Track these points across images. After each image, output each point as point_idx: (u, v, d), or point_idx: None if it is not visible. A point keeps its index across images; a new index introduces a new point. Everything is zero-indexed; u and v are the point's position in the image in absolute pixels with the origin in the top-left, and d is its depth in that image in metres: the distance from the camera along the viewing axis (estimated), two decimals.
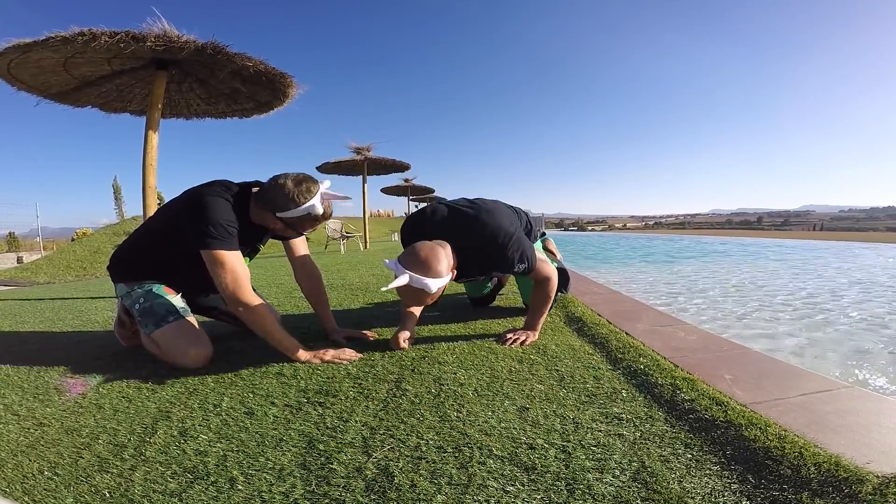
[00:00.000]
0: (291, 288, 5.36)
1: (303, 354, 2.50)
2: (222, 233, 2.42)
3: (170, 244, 2.65)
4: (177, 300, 2.70)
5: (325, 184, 2.64)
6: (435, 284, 2.36)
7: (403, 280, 2.32)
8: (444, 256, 2.44)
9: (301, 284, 3.09)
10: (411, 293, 2.40)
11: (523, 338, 2.77)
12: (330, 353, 2.52)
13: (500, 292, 4.24)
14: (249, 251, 2.85)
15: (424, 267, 2.36)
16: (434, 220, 2.75)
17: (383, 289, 2.45)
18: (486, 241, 2.67)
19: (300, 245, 3.04)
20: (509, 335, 2.81)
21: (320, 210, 2.55)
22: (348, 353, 2.55)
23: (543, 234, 3.63)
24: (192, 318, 2.66)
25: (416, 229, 2.78)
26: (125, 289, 2.73)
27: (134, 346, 3.00)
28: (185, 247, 2.50)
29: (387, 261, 2.44)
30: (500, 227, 2.69)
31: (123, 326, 3.01)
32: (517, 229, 2.78)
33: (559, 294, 3.64)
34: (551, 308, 3.45)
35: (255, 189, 2.66)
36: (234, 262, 2.43)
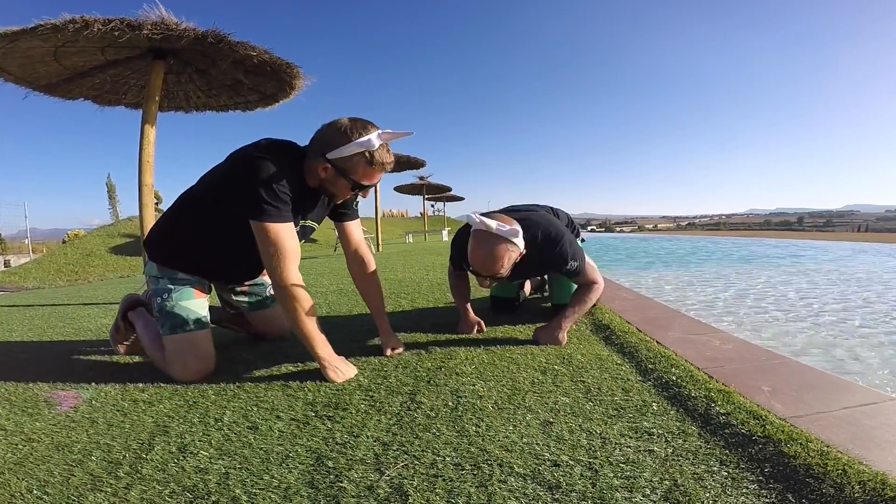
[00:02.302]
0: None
1: (327, 353, 2.46)
2: (274, 199, 2.34)
3: (210, 217, 2.58)
4: (202, 307, 2.67)
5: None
6: (519, 239, 2.70)
7: (492, 224, 2.64)
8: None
9: (353, 274, 3.01)
10: (491, 250, 2.68)
11: (556, 333, 2.94)
12: (351, 372, 2.50)
13: (526, 296, 4.27)
14: (303, 227, 2.73)
15: (505, 221, 2.73)
16: None
17: (471, 221, 2.72)
18: (541, 237, 2.90)
19: (354, 229, 2.97)
20: (540, 336, 2.98)
21: (376, 144, 2.40)
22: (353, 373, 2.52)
23: (583, 239, 3.67)
24: (209, 333, 2.64)
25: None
26: (155, 271, 2.66)
27: (130, 354, 3.03)
28: (227, 220, 2.48)
29: (469, 214, 2.71)
30: (552, 223, 2.96)
31: (119, 332, 3.02)
32: (567, 230, 2.99)
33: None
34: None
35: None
36: (284, 235, 2.37)
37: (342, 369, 2.47)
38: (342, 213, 2.91)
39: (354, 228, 2.96)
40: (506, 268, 2.71)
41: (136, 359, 2.93)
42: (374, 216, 16.81)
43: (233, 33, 5.08)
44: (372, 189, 2.68)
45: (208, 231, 2.61)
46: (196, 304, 2.63)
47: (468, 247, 2.80)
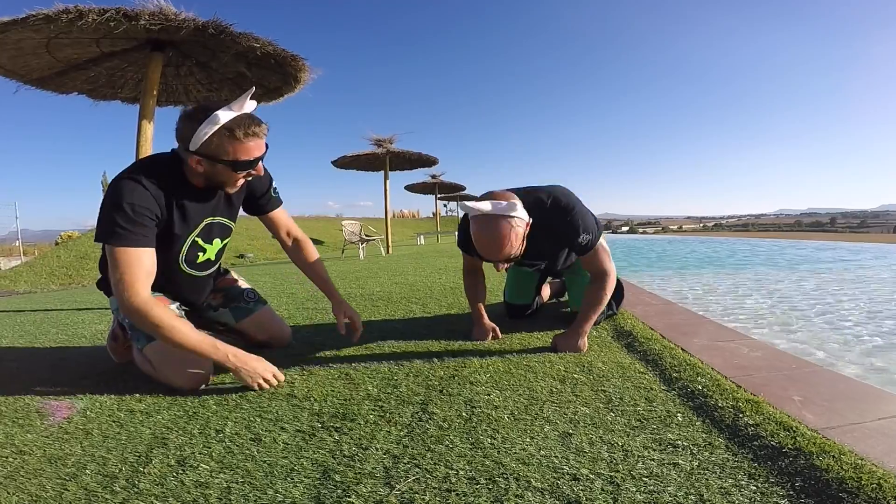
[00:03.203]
0: (304, 298, 5.43)
1: (217, 352, 2.39)
2: (126, 221, 2.27)
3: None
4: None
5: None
6: (520, 210, 2.66)
7: (486, 206, 2.61)
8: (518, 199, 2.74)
9: (289, 254, 3.08)
10: (494, 233, 2.66)
11: (575, 340, 2.93)
12: (251, 366, 2.45)
13: (544, 301, 4.27)
14: (202, 230, 2.69)
15: (504, 197, 2.72)
16: None
17: (467, 209, 2.70)
18: (549, 202, 2.89)
19: (280, 215, 3.00)
20: (558, 343, 2.98)
21: (224, 117, 2.29)
22: (271, 373, 2.49)
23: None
24: None
25: None
26: (115, 304, 2.70)
27: (127, 362, 3.03)
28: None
29: (464, 203, 2.69)
30: (565, 192, 2.97)
31: (117, 340, 3.02)
32: (580, 202, 2.96)
33: (612, 312, 3.66)
34: (600, 322, 3.48)
35: None
36: (131, 258, 2.28)
37: (255, 368, 2.46)
38: (260, 205, 2.92)
39: (280, 214, 2.99)
40: (515, 246, 2.68)
41: (133, 367, 2.90)
42: (383, 217, 16.81)
43: (235, 24, 5.09)
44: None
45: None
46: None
47: (472, 237, 2.79)
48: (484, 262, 3.20)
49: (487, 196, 2.76)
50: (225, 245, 2.90)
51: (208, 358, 2.41)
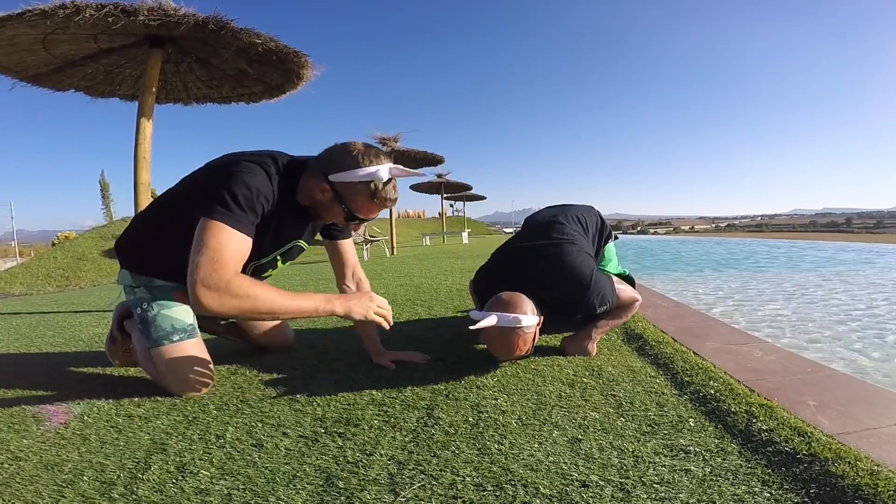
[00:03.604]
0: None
1: (341, 306, 2.34)
2: (241, 205, 2.21)
3: (184, 221, 2.34)
4: (188, 314, 2.60)
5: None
6: (526, 320, 2.55)
7: (492, 321, 2.52)
8: (527, 300, 2.65)
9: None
10: (502, 340, 2.61)
11: (585, 343, 2.95)
12: (376, 302, 2.43)
13: None
14: (286, 251, 2.69)
15: (511, 305, 2.59)
16: (510, 272, 2.95)
17: (472, 327, 2.56)
18: (564, 291, 2.83)
19: (349, 248, 2.97)
20: (567, 346, 3.00)
21: (385, 176, 2.37)
22: (383, 307, 2.45)
23: (616, 236, 3.64)
24: (199, 340, 2.59)
25: (492, 279, 3.04)
26: (129, 280, 2.61)
27: (125, 366, 3.04)
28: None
29: (473, 312, 2.64)
30: (575, 265, 2.82)
31: (115, 343, 3.00)
32: (593, 270, 2.86)
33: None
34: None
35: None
36: (231, 239, 2.19)
37: (361, 302, 2.41)
38: (335, 231, 2.90)
39: (349, 248, 2.97)
40: (526, 347, 2.68)
41: (132, 371, 2.94)
42: (388, 217, 16.81)
43: (236, 19, 5.11)
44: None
45: (186, 237, 2.35)
46: (180, 310, 2.58)
47: (483, 338, 2.81)
48: None
49: (496, 303, 2.67)
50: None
51: (317, 314, 2.34)
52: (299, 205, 2.52)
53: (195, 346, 2.56)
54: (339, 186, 2.39)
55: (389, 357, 2.92)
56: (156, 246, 2.59)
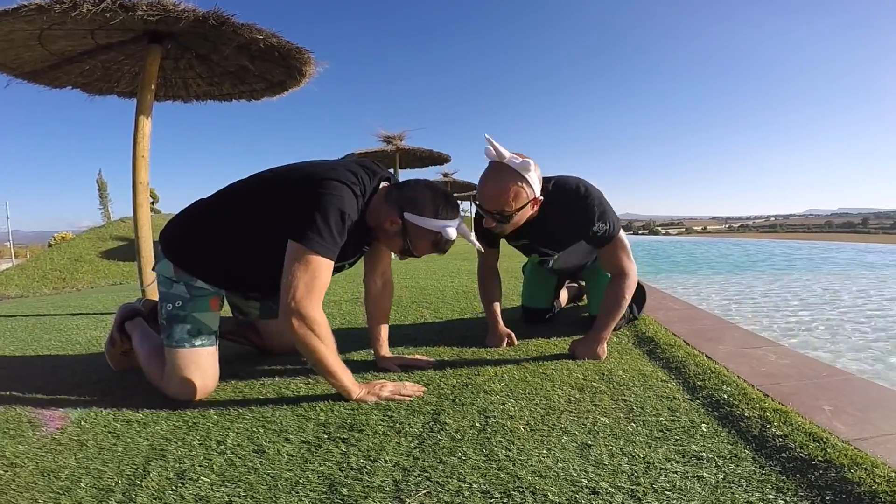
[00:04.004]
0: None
1: (357, 393, 2.42)
2: (333, 233, 2.32)
3: (256, 234, 2.56)
4: (216, 321, 2.66)
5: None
6: (528, 171, 2.70)
7: (506, 153, 2.70)
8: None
9: (369, 291, 3.06)
10: (497, 182, 2.74)
11: (595, 346, 2.95)
12: (388, 389, 2.47)
13: (562, 306, 4.28)
14: (347, 262, 2.76)
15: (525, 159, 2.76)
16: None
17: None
18: (566, 187, 2.96)
19: (385, 251, 3.00)
20: (577, 349, 3.00)
21: (453, 236, 2.54)
22: (410, 389, 2.50)
23: None
24: (216, 350, 2.63)
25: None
26: (171, 273, 2.61)
27: (124, 370, 3.04)
28: (276, 243, 2.40)
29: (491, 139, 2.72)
30: (585, 182, 3.00)
31: (115, 345, 3.01)
32: (600, 193, 2.98)
33: (633, 317, 3.68)
34: (621, 327, 3.49)
35: (384, 184, 2.65)
36: (322, 269, 2.32)
37: (385, 394, 2.45)
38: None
39: (385, 250, 2.99)
40: (512, 206, 2.73)
41: (130, 375, 2.93)
42: None
43: (237, 14, 5.07)
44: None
45: (249, 250, 2.61)
46: (210, 317, 2.62)
47: (479, 180, 2.84)
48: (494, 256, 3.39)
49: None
50: None
51: (344, 393, 2.42)
52: (365, 223, 2.59)
53: (211, 355, 2.60)
54: (410, 226, 2.51)
55: (395, 361, 2.96)
56: (213, 248, 2.63)
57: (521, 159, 2.68)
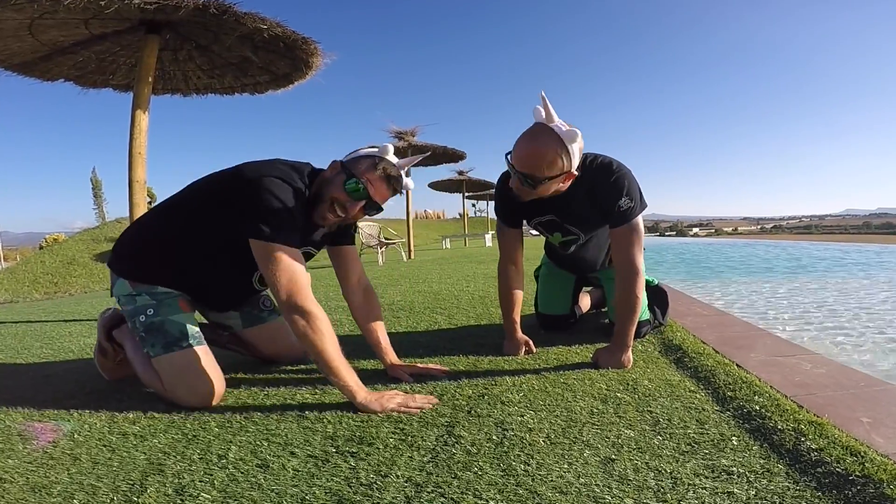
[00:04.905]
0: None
1: (362, 396, 2.43)
2: (284, 223, 2.45)
3: (205, 232, 2.69)
4: (194, 321, 2.71)
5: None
6: (574, 141, 2.70)
7: (555, 118, 2.71)
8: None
9: (352, 302, 3.10)
10: (532, 145, 2.75)
11: (620, 355, 2.96)
12: (396, 400, 2.46)
13: (583, 312, 4.28)
14: (305, 253, 2.82)
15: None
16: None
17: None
18: (598, 162, 3.03)
19: (354, 255, 3.09)
20: (600, 358, 3.01)
21: (390, 151, 2.70)
22: (419, 401, 2.48)
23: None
24: (208, 348, 2.67)
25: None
26: (128, 289, 2.68)
27: (118, 378, 3.07)
28: (226, 238, 2.61)
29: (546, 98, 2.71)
30: (617, 161, 3.06)
31: (106, 355, 3.04)
32: (630, 171, 3.05)
33: (659, 323, 3.70)
34: (646, 334, 3.49)
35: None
36: (292, 259, 2.44)
37: (392, 406, 2.44)
38: (340, 235, 3.02)
39: (353, 254, 3.09)
40: (547, 174, 2.74)
41: (126, 385, 2.95)
42: (404, 218, 16.74)
43: (239, 3, 5.10)
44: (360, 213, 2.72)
45: (198, 250, 2.74)
46: (186, 317, 2.67)
47: (520, 137, 2.82)
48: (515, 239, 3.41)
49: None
50: None
51: (348, 393, 2.45)
52: (311, 217, 2.70)
53: (206, 353, 2.63)
54: (349, 161, 2.67)
55: (406, 370, 2.96)
56: (163, 253, 2.72)
57: (567, 128, 2.68)
